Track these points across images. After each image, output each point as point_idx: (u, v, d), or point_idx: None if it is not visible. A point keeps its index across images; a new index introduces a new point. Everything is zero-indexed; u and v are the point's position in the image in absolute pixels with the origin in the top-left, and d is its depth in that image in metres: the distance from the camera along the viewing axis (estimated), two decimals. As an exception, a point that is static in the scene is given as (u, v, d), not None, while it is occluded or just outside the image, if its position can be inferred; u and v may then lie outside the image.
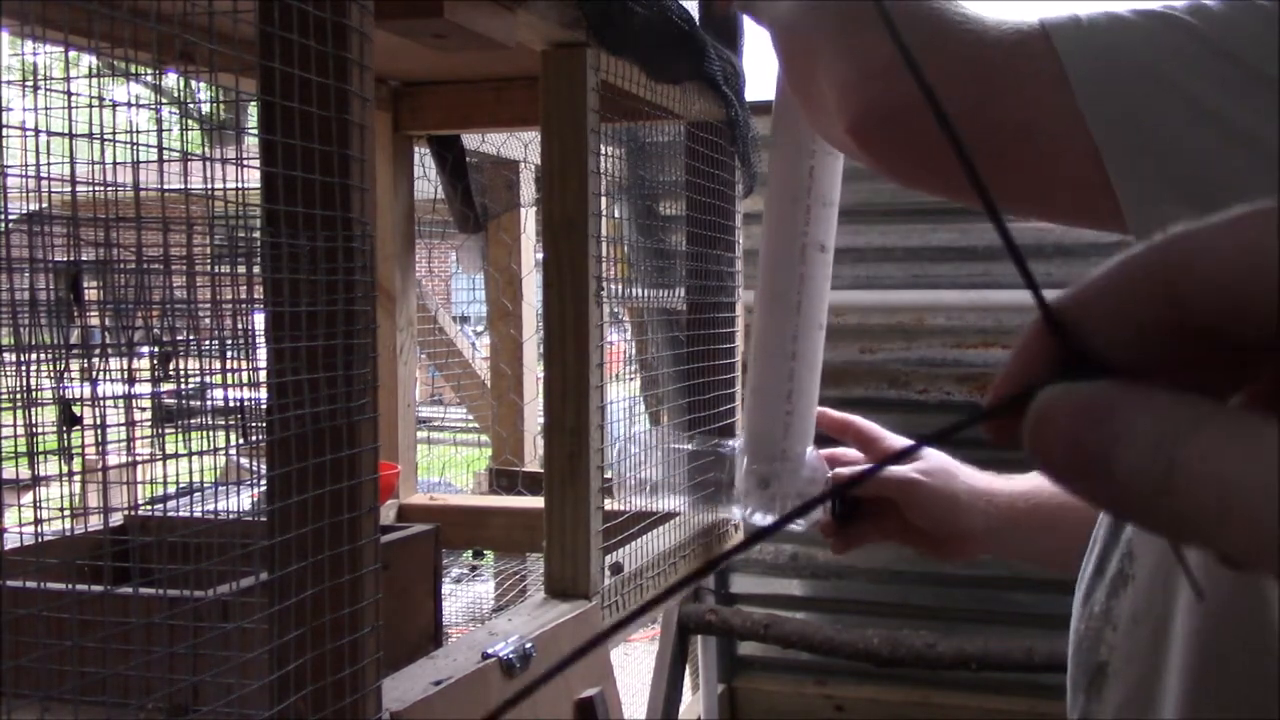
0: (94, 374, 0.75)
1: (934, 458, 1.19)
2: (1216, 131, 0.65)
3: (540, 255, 1.14)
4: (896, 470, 1.18)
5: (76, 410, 0.79)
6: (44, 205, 0.75)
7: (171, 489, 0.93)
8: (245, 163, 0.72)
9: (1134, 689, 0.68)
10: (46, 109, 0.73)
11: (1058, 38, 0.68)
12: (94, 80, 0.89)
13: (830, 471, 1.26)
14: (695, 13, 1.31)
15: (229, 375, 0.76)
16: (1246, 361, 0.26)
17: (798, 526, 1.29)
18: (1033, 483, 1.12)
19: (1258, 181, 0.64)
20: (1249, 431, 0.24)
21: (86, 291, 0.90)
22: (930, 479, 1.16)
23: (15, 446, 0.76)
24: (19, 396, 0.74)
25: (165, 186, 0.72)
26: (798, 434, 1.28)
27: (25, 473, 0.78)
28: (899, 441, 1.25)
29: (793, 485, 1.27)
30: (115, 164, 0.72)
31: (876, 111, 0.72)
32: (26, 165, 0.67)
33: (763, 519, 1.32)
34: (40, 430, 0.76)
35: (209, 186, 0.74)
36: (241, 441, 0.81)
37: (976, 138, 0.71)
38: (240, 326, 0.76)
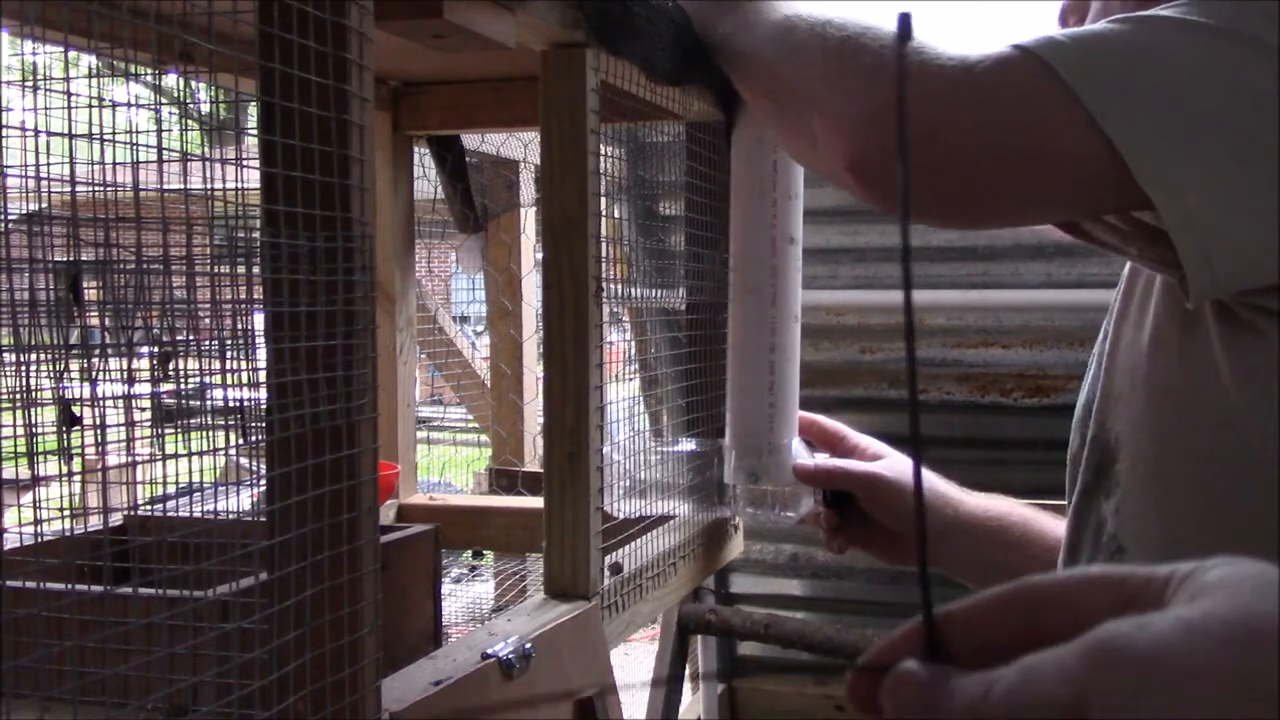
0: (94, 374, 0.75)
1: (897, 456, 1.20)
2: (1187, 82, 0.71)
3: (540, 255, 1.13)
4: (859, 465, 1.20)
5: (76, 410, 0.79)
6: (44, 205, 0.75)
7: (171, 489, 0.93)
8: (245, 163, 0.72)
9: None
10: (46, 109, 0.73)
11: (1037, 49, 0.73)
12: (94, 80, 0.89)
13: (813, 459, 1.26)
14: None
15: (229, 375, 0.77)
16: None
17: (789, 516, 1.29)
18: (1004, 507, 1.14)
19: (1239, 119, 0.69)
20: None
21: (86, 291, 0.90)
22: (893, 474, 1.18)
23: (15, 446, 0.76)
24: (19, 396, 0.74)
25: (165, 187, 0.72)
26: (782, 427, 1.28)
27: (25, 473, 0.78)
28: (862, 440, 1.27)
29: (781, 478, 1.27)
30: (115, 164, 0.72)
31: (874, 153, 0.78)
32: (26, 165, 0.67)
33: (754, 514, 1.32)
34: (40, 430, 0.76)
35: (209, 187, 0.74)
36: (241, 441, 0.81)
37: (977, 154, 0.75)
38: (240, 326, 0.76)
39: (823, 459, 1.26)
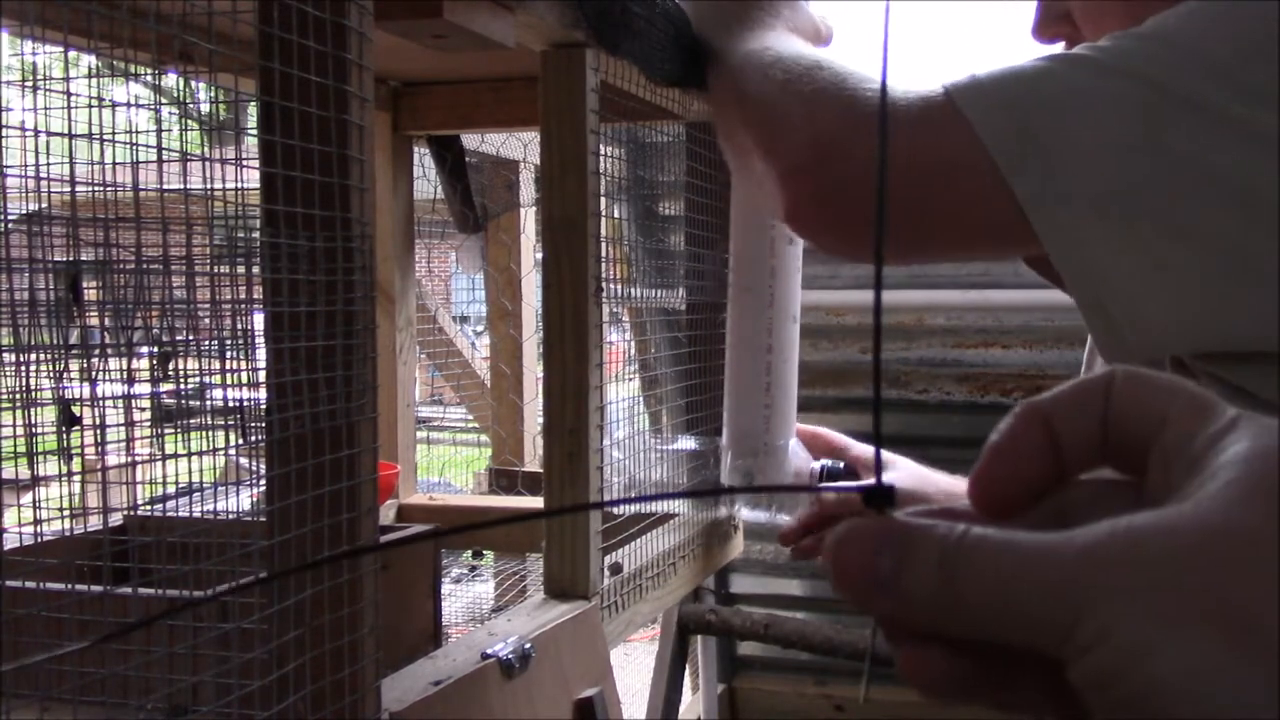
0: (94, 374, 0.75)
1: (904, 465, 1.21)
2: (1107, 143, 0.70)
3: (540, 255, 1.13)
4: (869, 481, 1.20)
5: (76, 410, 0.79)
6: (44, 205, 0.75)
7: (171, 489, 0.93)
8: (245, 163, 0.72)
9: None
10: (46, 109, 0.73)
11: (958, 95, 0.74)
12: (94, 80, 0.89)
13: (815, 462, 1.27)
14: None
15: (228, 375, 0.77)
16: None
17: (784, 518, 1.30)
18: None
19: (1156, 185, 0.68)
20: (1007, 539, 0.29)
21: (86, 291, 0.90)
22: (902, 487, 1.19)
23: (15, 446, 0.76)
24: (19, 396, 0.74)
25: (165, 187, 0.72)
26: (778, 427, 1.28)
27: (25, 473, 0.78)
28: (865, 450, 1.27)
29: (776, 478, 1.27)
30: (115, 164, 0.73)
31: (805, 203, 0.81)
32: (26, 165, 0.67)
33: (750, 514, 1.32)
34: (40, 430, 0.76)
35: (208, 186, 0.74)
36: (241, 441, 0.81)
37: (901, 188, 0.77)
38: (240, 326, 0.76)
39: (822, 465, 1.27)
